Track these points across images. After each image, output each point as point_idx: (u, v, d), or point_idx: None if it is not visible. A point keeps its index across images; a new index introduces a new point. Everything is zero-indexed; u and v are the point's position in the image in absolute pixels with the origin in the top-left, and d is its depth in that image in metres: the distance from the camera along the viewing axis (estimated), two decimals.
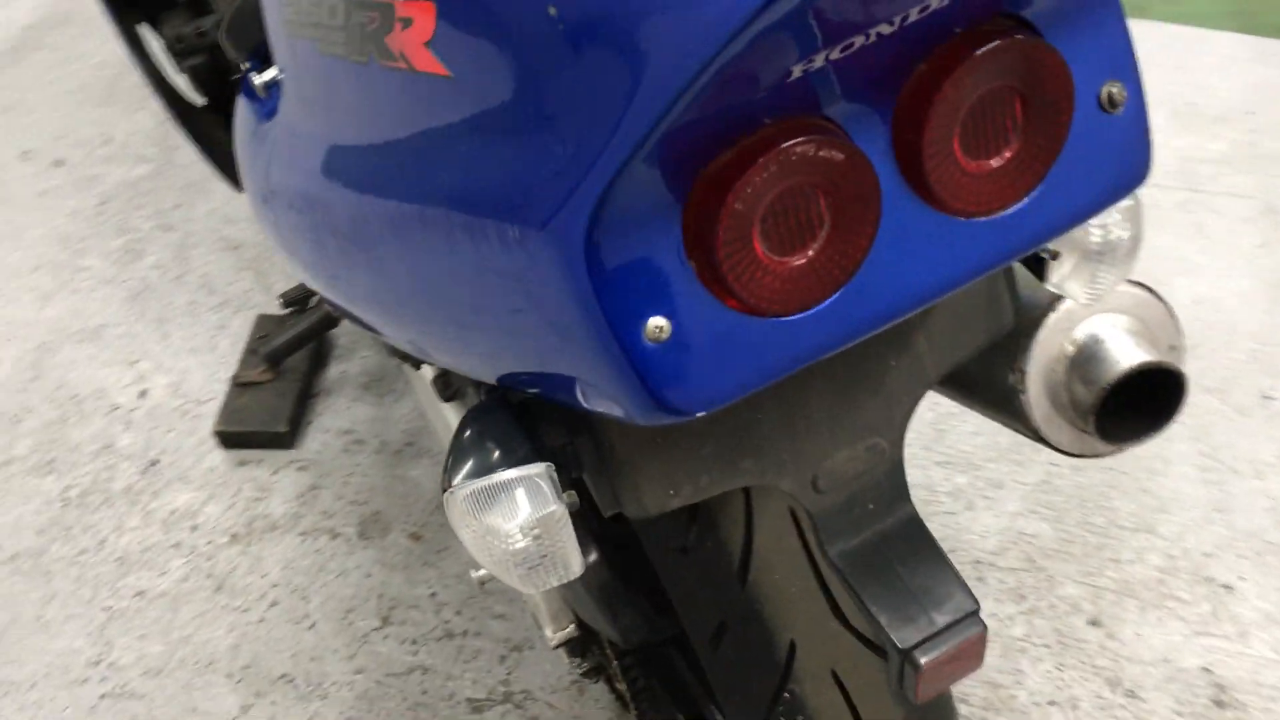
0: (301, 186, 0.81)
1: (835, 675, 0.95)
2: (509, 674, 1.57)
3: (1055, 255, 0.78)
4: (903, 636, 0.76)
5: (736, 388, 0.59)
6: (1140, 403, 0.85)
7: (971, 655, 0.77)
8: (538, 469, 0.69)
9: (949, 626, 0.76)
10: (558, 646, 1.24)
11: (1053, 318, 0.86)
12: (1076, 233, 0.77)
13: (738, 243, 0.55)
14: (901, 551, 0.78)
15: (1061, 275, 0.78)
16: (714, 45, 0.48)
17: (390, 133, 0.68)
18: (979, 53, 0.56)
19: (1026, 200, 0.61)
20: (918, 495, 1.75)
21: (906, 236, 0.59)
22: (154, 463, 1.82)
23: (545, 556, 0.69)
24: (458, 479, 0.70)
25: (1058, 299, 0.86)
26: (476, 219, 0.60)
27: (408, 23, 0.63)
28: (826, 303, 0.58)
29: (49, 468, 1.83)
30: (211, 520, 1.74)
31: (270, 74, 0.89)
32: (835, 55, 0.53)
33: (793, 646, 0.94)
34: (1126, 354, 0.84)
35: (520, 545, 0.68)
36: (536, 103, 0.55)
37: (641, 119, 0.51)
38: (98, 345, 2.00)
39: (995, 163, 0.59)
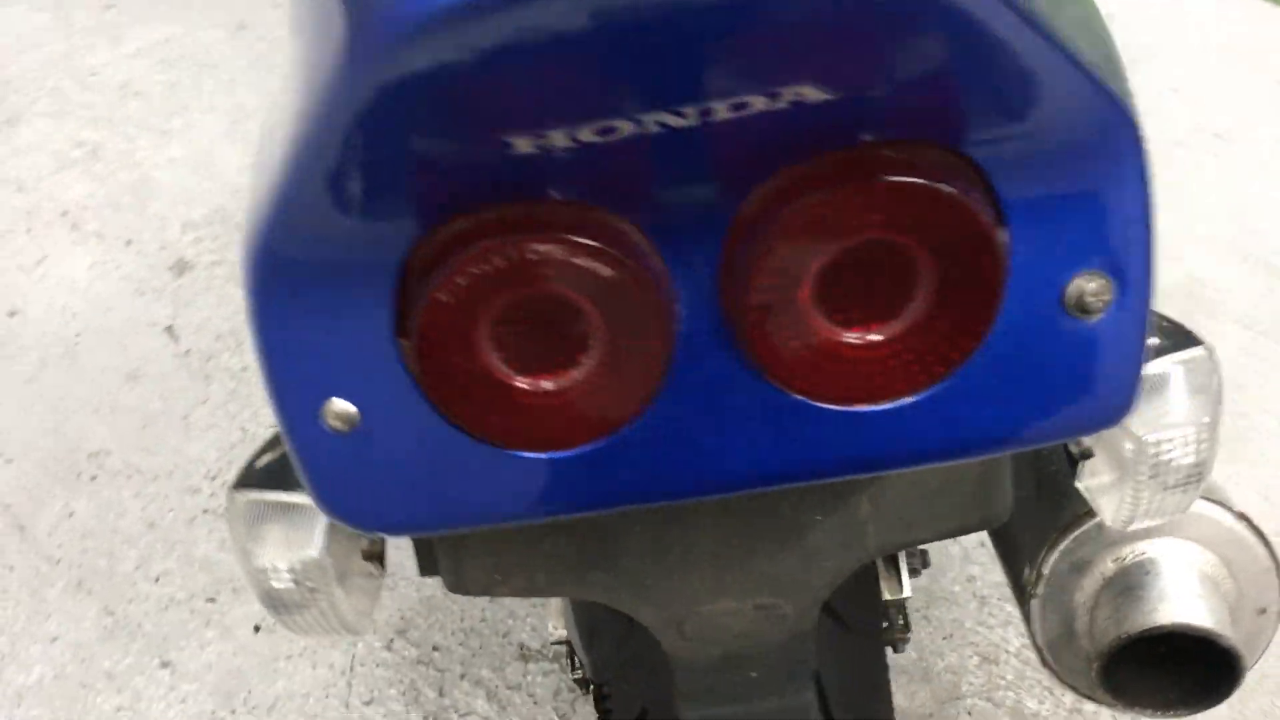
0: None
1: None
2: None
3: (1086, 454, 0.58)
4: None
5: (441, 518, 0.45)
6: (1180, 665, 0.63)
7: None
8: (305, 500, 0.57)
9: None
10: (554, 644, 1.14)
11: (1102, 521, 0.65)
12: (1114, 432, 0.56)
13: (448, 343, 0.41)
14: None
15: (1094, 482, 0.58)
16: (377, 73, 0.35)
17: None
18: (836, 189, 0.38)
19: (915, 399, 0.42)
20: None
21: (721, 401, 0.42)
22: None
23: (305, 607, 0.58)
24: (244, 477, 0.60)
25: None
26: None
27: None
28: (578, 451, 0.43)
29: None
30: None
31: None
32: (589, 137, 0.37)
33: None
34: (1173, 604, 0.62)
35: (278, 585, 0.57)
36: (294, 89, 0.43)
37: (313, 143, 0.38)
38: None
39: (858, 339, 0.41)
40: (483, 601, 1.53)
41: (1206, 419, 0.55)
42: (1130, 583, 0.64)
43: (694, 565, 0.60)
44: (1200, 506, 0.65)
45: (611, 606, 0.62)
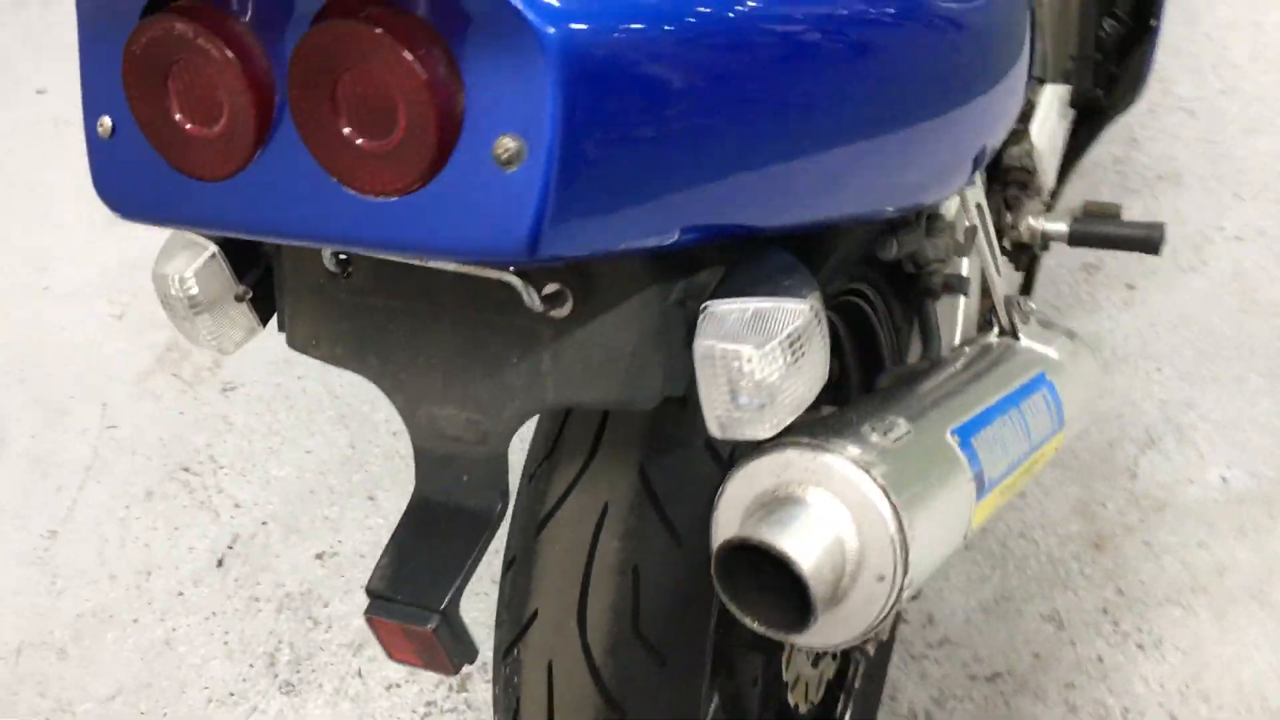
0: None
1: (550, 667, 0.94)
2: None
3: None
4: (374, 583, 0.78)
5: (147, 212, 0.67)
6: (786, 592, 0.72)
7: (424, 646, 0.76)
8: (207, 244, 0.81)
9: (411, 605, 0.76)
10: None
11: (788, 455, 0.75)
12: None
13: (142, 81, 0.63)
14: (454, 535, 0.78)
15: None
16: None
17: None
18: (319, 28, 0.56)
19: (396, 201, 0.59)
20: None
21: (299, 168, 0.61)
22: None
23: (181, 317, 0.82)
24: None
25: (802, 441, 0.75)
26: None
27: None
28: (215, 183, 0.64)
29: None
30: None
31: None
32: None
33: (534, 616, 0.95)
34: (775, 530, 0.71)
35: (166, 290, 0.82)
36: None
37: None
38: None
39: (362, 143, 0.58)
40: None
41: (766, 350, 0.66)
42: (769, 505, 0.73)
43: (431, 371, 0.78)
44: (850, 472, 0.73)
45: (378, 387, 0.81)
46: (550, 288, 0.71)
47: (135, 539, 1.84)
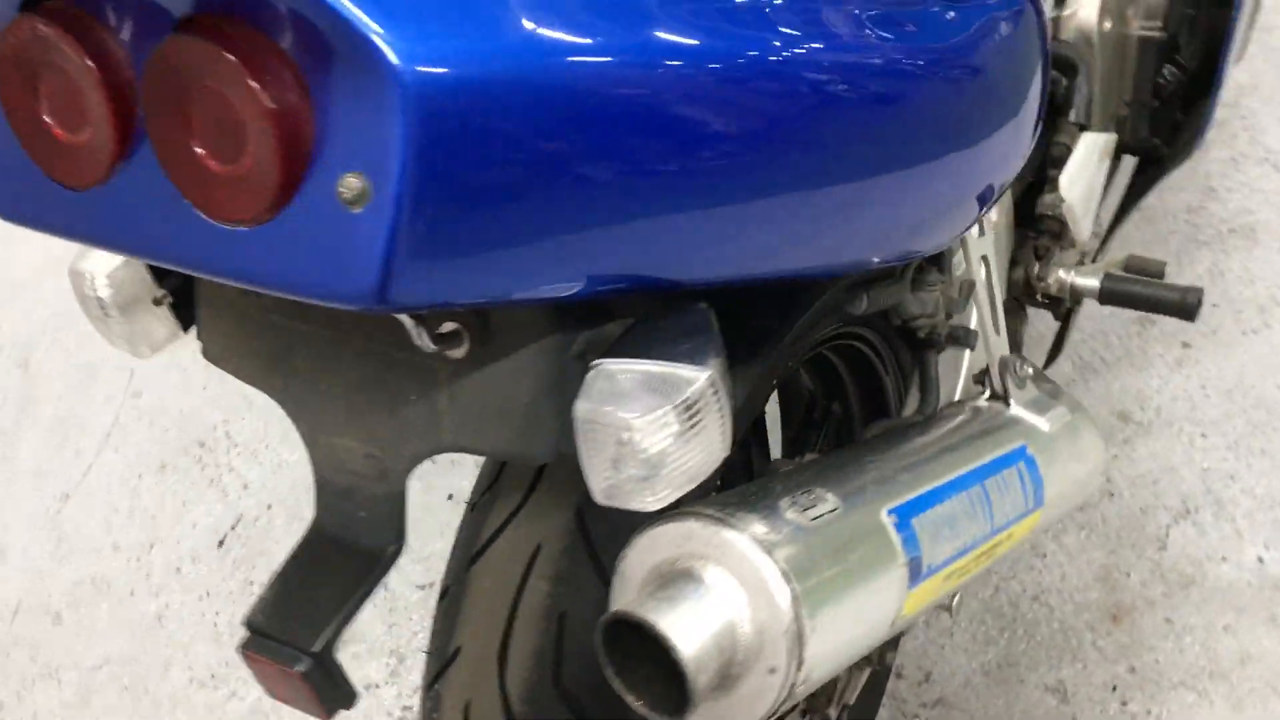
0: None
1: (467, 708, 0.90)
2: None
3: None
4: (253, 616, 0.75)
5: (22, 215, 0.64)
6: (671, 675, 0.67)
7: (295, 688, 0.73)
8: None
9: (285, 644, 0.73)
10: None
11: (690, 526, 0.69)
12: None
13: (12, 80, 0.59)
14: (342, 573, 0.74)
15: None
16: None
17: None
18: (172, 43, 0.52)
19: (247, 231, 0.55)
20: None
21: (150, 182, 0.57)
22: None
23: (95, 316, 0.79)
24: None
25: (706, 513, 0.70)
26: None
27: None
28: (75, 192, 0.60)
29: None
30: None
31: None
32: None
33: (457, 652, 0.91)
34: (661, 608, 0.66)
35: (83, 290, 0.79)
36: None
37: None
38: None
39: (213, 165, 0.54)
40: None
41: (651, 418, 0.60)
42: (665, 578, 0.68)
43: (334, 398, 0.74)
44: (750, 551, 0.67)
45: (283, 410, 0.78)
46: (446, 326, 0.66)
47: (143, 510, 1.84)
